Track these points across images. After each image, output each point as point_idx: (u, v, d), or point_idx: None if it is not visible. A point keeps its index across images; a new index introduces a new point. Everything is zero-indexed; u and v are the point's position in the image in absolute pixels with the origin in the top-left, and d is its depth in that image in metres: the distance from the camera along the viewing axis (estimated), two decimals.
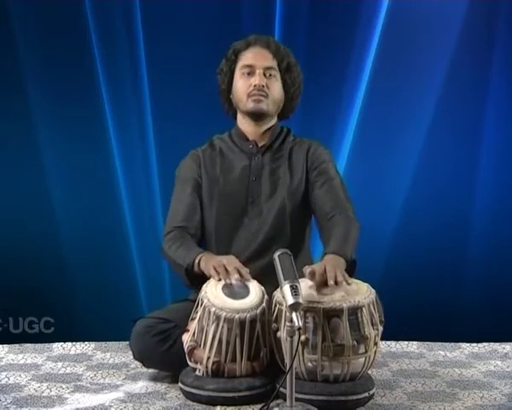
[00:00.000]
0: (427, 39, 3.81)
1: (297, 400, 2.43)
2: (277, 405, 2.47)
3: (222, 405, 2.64)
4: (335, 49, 3.81)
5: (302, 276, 2.61)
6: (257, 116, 2.99)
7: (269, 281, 2.71)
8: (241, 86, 2.98)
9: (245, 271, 2.73)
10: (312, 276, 2.63)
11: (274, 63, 2.98)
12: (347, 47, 3.80)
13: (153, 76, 3.81)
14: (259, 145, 3.04)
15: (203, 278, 2.79)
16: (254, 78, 2.95)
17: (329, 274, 2.61)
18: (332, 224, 2.88)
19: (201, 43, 3.75)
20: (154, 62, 3.80)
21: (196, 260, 2.82)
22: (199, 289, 2.76)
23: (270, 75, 2.97)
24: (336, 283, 2.61)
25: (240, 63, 2.99)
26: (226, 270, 2.72)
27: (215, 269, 2.73)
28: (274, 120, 3.05)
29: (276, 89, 2.99)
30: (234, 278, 2.71)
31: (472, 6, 3.78)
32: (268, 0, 3.80)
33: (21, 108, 3.76)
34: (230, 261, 2.75)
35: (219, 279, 2.72)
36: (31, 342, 3.41)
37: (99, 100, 3.79)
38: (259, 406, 2.54)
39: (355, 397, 2.61)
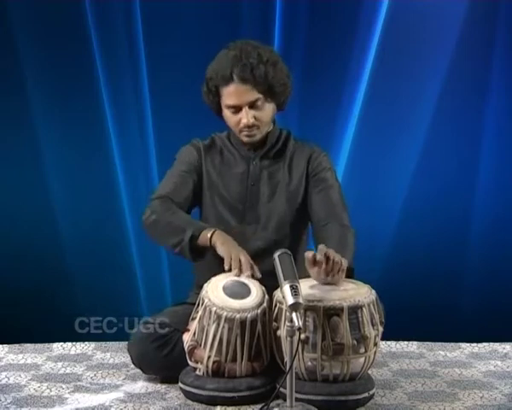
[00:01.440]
0: (427, 39, 3.81)
1: (297, 400, 2.43)
2: (277, 405, 2.47)
3: (222, 405, 2.64)
4: (335, 49, 3.81)
5: (302, 276, 2.61)
6: (252, 144, 2.99)
7: (268, 285, 2.71)
8: (231, 121, 2.93)
9: (257, 269, 2.73)
10: (314, 261, 2.61)
11: (256, 94, 2.88)
12: (347, 47, 3.80)
13: (153, 76, 3.81)
14: (257, 150, 3.02)
15: (203, 252, 2.80)
16: (242, 115, 2.89)
17: (336, 257, 2.61)
18: (326, 231, 2.86)
19: (201, 43, 3.74)
20: (154, 62, 3.80)
21: (208, 234, 2.79)
22: (194, 260, 2.79)
23: (257, 107, 2.89)
24: (338, 271, 2.61)
25: (223, 99, 2.91)
26: (240, 264, 2.72)
27: (231, 258, 2.72)
28: (270, 126, 3.01)
29: (266, 112, 2.92)
30: (245, 275, 2.71)
31: (472, 6, 3.78)
32: (268, 0, 3.80)
33: (21, 108, 3.77)
34: (246, 257, 2.74)
35: (229, 270, 2.71)
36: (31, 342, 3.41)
37: (99, 100, 3.79)
38: (259, 406, 2.54)
39: (355, 397, 2.61)
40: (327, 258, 2.61)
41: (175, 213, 2.90)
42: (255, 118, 2.89)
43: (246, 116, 2.88)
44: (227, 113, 2.93)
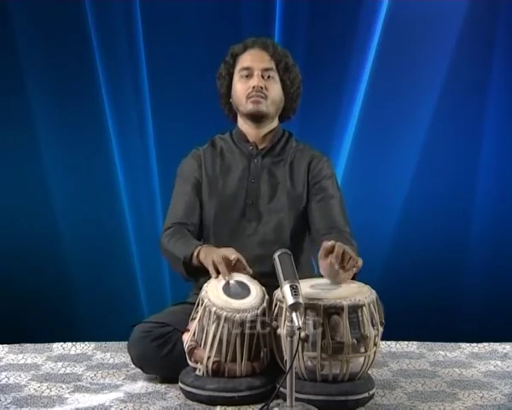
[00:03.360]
0: (427, 39, 3.81)
1: (297, 400, 2.43)
2: (277, 405, 2.47)
3: (222, 405, 2.64)
4: (335, 49, 3.81)
5: (302, 277, 2.61)
6: (257, 118, 2.99)
7: (268, 283, 2.71)
8: (240, 89, 2.98)
9: (245, 263, 2.73)
10: (331, 250, 2.61)
11: (272, 64, 2.98)
12: (347, 47, 3.80)
13: (153, 76, 3.81)
14: (260, 147, 3.03)
15: (202, 271, 2.80)
16: (253, 80, 2.95)
17: (352, 254, 2.62)
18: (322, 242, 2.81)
19: (201, 43, 3.75)
20: (154, 62, 3.80)
21: (195, 253, 2.82)
22: (197, 280, 2.80)
23: (269, 77, 2.97)
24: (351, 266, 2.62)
25: (238, 66, 2.99)
26: (226, 265, 2.71)
27: (214, 265, 2.72)
28: (275, 123, 3.05)
29: (276, 90, 2.99)
30: (233, 278, 2.71)
31: (472, 6, 3.78)
32: (268, 0, 3.80)
33: (22, 108, 3.77)
34: (230, 254, 2.73)
35: (217, 277, 2.72)
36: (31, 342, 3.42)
37: (99, 100, 3.79)
38: (259, 406, 2.54)
39: (355, 397, 2.61)
40: (343, 252, 2.61)
41: (176, 241, 2.92)
42: (265, 87, 2.95)
43: (257, 78, 2.94)
44: (238, 80, 2.98)
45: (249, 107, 2.97)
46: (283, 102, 3.02)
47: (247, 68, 2.97)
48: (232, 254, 2.73)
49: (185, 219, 2.98)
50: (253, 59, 2.98)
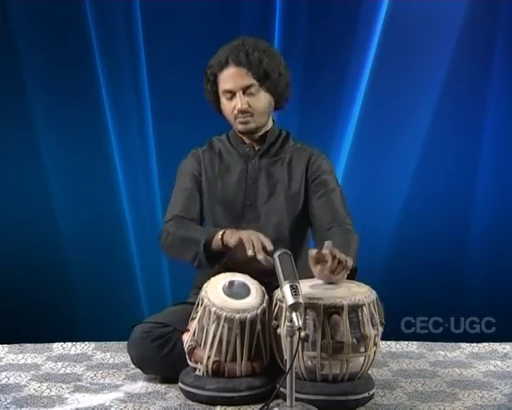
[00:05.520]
0: (427, 39, 3.81)
1: (297, 399, 2.43)
2: (277, 405, 2.47)
3: (222, 405, 2.64)
4: (335, 49, 3.81)
5: (302, 277, 2.61)
6: (248, 134, 2.99)
7: (269, 282, 2.71)
8: (227, 109, 2.96)
9: (269, 242, 2.71)
10: (318, 259, 2.61)
11: (250, 79, 2.91)
12: (347, 47, 3.80)
13: (153, 76, 3.81)
14: (256, 148, 3.03)
15: (219, 257, 2.80)
16: (236, 101, 2.92)
17: (341, 256, 2.61)
18: (329, 235, 2.84)
19: (201, 43, 3.74)
20: (154, 62, 3.80)
21: (219, 235, 2.78)
22: (213, 266, 2.80)
23: (251, 93, 2.92)
24: (342, 269, 2.62)
25: (220, 87, 2.96)
26: (253, 245, 2.69)
27: (248, 239, 2.70)
28: (269, 124, 3.03)
29: (261, 101, 2.94)
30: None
31: (472, 6, 3.78)
32: (268, 0, 3.80)
33: (22, 108, 3.77)
34: (257, 238, 2.70)
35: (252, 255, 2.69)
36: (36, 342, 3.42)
37: (99, 100, 3.79)
38: (259, 406, 2.54)
39: (355, 397, 2.61)
40: (332, 256, 2.61)
41: (188, 228, 2.92)
42: (249, 105, 2.92)
43: (239, 101, 2.91)
44: (224, 101, 2.96)
45: (239, 127, 2.97)
46: (273, 102, 2.99)
47: (228, 91, 2.93)
48: (259, 240, 2.70)
49: (185, 212, 2.97)
50: (231, 80, 2.92)
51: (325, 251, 2.61)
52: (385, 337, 3.15)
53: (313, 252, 2.63)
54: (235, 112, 2.93)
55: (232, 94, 2.92)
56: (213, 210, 2.99)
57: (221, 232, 2.80)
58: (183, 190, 3.02)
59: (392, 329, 3.39)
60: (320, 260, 2.63)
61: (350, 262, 2.65)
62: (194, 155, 3.08)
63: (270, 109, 3.00)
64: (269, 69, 2.92)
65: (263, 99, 2.95)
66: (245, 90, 2.91)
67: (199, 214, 3.01)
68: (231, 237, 2.76)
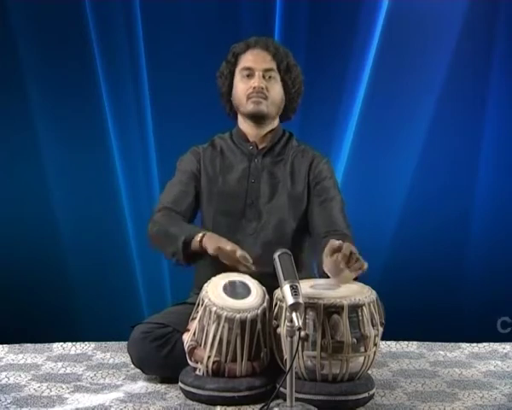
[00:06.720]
0: (427, 39, 3.81)
1: (297, 399, 2.43)
2: (277, 405, 2.47)
3: (222, 405, 2.63)
4: (335, 49, 3.81)
5: (302, 277, 2.61)
6: (257, 118, 2.99)
7: (269, 283, 2.71)
8: (241, 88, 2.98)
9: (249, 260, 2.73)
10: (338, 249, 2.61)
11: (273, 65, 2.98)
12: (347, 47, 3.81)
13: (153, 76, 3.81)
14: (260, 147, 3.04)
15: (197, 257, 2.83)
16: (254, 80, 2.96)
17: (360, 257, 2.62)
18: (325, 242, 2.79)
19: (201, 43, 3.75)
20: (154, 62, 3.80)
21: (198, 238, 2.81)
22: (188, 264, 2.83)
23: (270, 77, 2.97)
24: (357, 267, 2.62)
25: (239, 65, 3.00)
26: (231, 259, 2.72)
27: (221, 251, 2.73)
28: (275, 123, 3.05)
29: (276, 90, 2.99)
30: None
31: (472, 6, 3.78)
32: (268, 0, 3.80)
33: (21, 107, 3.77)
34: (234, 252, 2.73)
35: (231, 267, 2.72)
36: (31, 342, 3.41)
37: (99, 100, 3.79)
38: (259, 406, 2.54)
39: (355, 397, 2.61)
40: (350, 252, 2.61)
41: (173, 222, 2.93)
42: (266, 87, 2.95)
43: (258, 79, 2.95)
44: (238, 80, 2.98)
45: (250, 107, 2.97)
46: (284, 102, 3.03)
47: (248, 68, 2.97)
48: (238, 250, 2.73)
49: (174, 205, 2.98)
50: (254, 59, 2.98)
51: (345, 248, 2.61)
52: (386, 337, 3.15)
53: (336, 242, 2.62)
54: (251, 90, 2.95)
55: (251, 73, 2.96)
56: (213, 208, 2.99)
57: (200, 235, 2.81)
58: (177, 183, 3.03)
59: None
60: (337, 251, 2.62)
61: (366, 265, 2.65)
62: (193, 151, 3.08)
63: (280, 105, 3.02)
64: (291, 66, 3.01)
65: (278, 90, 2.99)
66: (265, 73, 2.96)
67: (188, 210, 3.00)
68: (210, 244, 2.77)
